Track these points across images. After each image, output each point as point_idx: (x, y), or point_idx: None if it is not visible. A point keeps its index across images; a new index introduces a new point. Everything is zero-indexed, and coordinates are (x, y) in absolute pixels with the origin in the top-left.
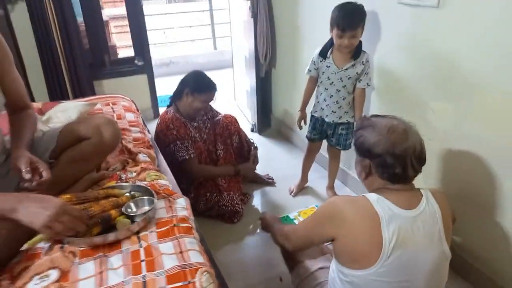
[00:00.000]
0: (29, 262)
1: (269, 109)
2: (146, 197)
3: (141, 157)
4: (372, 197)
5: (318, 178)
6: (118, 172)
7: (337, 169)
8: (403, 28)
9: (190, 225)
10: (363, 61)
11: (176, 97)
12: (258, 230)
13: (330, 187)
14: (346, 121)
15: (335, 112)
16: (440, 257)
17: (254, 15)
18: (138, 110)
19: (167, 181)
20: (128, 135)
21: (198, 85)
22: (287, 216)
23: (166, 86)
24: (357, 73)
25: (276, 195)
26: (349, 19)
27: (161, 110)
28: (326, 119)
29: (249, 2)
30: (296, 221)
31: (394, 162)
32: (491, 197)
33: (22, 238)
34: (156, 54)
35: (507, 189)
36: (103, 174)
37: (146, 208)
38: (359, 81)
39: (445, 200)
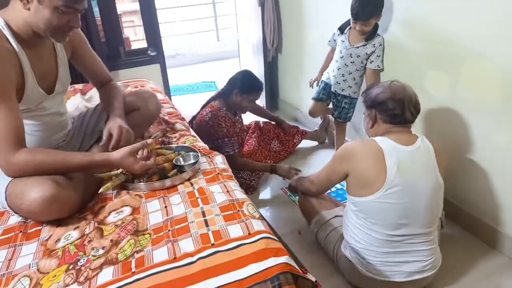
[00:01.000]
0: (104, 203)
1: (277, 92)
2: (191, 153)
3: (178, 126)
4: (377, 138)
5: (326, 149)
6: (160, 139)
7: (343, 140)
8: (403, 9)
9: (230, 174)
10: (374, 44)
11: (224, 94)
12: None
13: None
14: (348, 95)
15: (339, 83)
16: (435, 184)
17: (262, 3)
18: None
19: (203, 143)
20: (162, 110)
21: (247, 86)
22: None
23: (174, 77)
24: (366, 53)
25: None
26: (362, 11)
27: (174, 98)
28: (332, 88)
29: None
30: None
31: (395, 105)
32: (478, 149)
33: (96, 186)
34: (163, 46)
35: (492, 142)
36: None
37: (193, 161)
38: (371, 62)
39: (438, 145)
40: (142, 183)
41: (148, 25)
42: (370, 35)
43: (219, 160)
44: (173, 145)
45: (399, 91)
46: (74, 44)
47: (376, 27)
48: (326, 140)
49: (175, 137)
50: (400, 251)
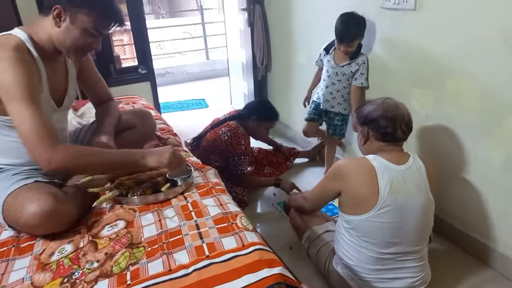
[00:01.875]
0: (98, 217)
1: None
2: (183, 167)
3: (170, 141)
4: (370, 156)
5: (318, 167)
6: None
7: (334, 156)
8: (386, 29)
9: (223, 188)
10: (358, 62)
11: (240, 118)
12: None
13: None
14: (338, 111)
15: (328, 101)
16: (426, 203)
17: (251, 24)
18: None
19: (196, 158)
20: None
21: (265, 114)
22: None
23: (164, 95)
24: (351, 71)
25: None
26: (346, 34)
27: (164, 115)
28: (321, 106)
29: (245, 12)
30: None
31: (386, 123)
32: (464, 164)
33: (90, 200)
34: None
35: (475, 157)
36: None
37: (186, 175)
38: (355, 79)
39: (429, 163)
40: (135, 197)
41: (139, 44)
42: (354, 54)
43: (212, 174)
44: None
45: (391, 109)
46: (82, 63)
47: (359, 46)
48: (317, 158)
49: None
50: (391, 268)
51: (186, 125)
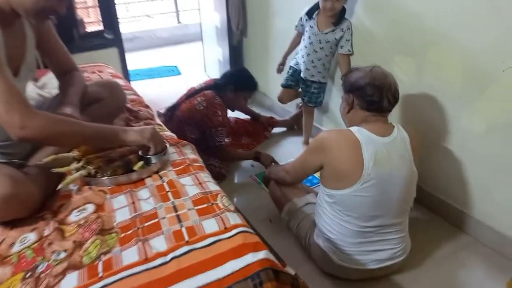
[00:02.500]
0: (64, 200)
1: None
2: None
3: (142, 114)
4: (353, 128)
5: (296, 136)
6: None
7: (312, 124)
8: None
9: (201, 164)
10: (343, 28)
11: (217, 88)
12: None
13: (306, 142)
14: (317, 81)
15: (308, 69)
16: (409, 175)
17: None
18: None
19: (170, 132)
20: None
21: (243, 84)
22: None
23: (133, 61)
24: (335, 38)
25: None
26: None
27: (133, 84)
28: (301, 74)
29: None
30: None
31: (373, 92)
32: (446, 134)
33: (55, 182)
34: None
35: (457, 127)
36: None
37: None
38: (341, 47)
39: (414, 132)
40: (106, 177)
41: (104, 6)
42: (338, 19)
43: (189, 150)
44: None
45: (379, 78)
46: (41, 28)
47: (343, 11)
48: (295, 127)
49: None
50: (373, 241)
51: (158, 94)
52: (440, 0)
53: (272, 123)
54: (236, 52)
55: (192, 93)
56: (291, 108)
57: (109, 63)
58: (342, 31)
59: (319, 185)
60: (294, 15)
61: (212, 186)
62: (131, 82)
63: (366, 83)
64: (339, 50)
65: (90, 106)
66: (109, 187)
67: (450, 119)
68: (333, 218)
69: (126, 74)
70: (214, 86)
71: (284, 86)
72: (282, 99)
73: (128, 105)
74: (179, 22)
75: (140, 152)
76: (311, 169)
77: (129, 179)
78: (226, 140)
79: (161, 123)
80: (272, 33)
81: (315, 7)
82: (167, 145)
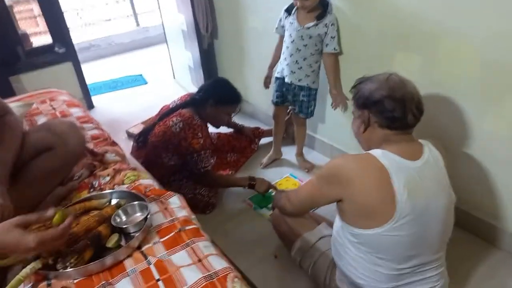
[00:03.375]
0: None
1: None
2: (135, 203)
3: (109, 156)
4: (376, 152)
5: (287, 146)
6: (86, 180)
7: (304, 135)
8: None
9: (196, 226)
10: (326, 23)
11: (195, 104)
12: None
13: (299, 153)
14: (306, 85)
15: (294, 72)
16: (449, 202)
17: None
18: None
19: (150, 179)
20: (84, 134)
21: (224, 97)
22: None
23: (92, 73)
24: (319, 34)
25: (246, 172)
26: None
27: (95, 99)
28: (286, 79)
29: None
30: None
31: (394, 106)
32: (465, 139)
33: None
34: (73, 38)
35: (478, 129)
36: (71, 187)
37: (139, 215)
38: (326, 46)
39: (440, 146)
40: (69, 267)
41: (50, 17)
42: (321, 13)
43: (176, 204)
44: (107, 191)
45: (399, 88)
46: None
47: (326, 3)
48: (284, 135)
49: (108, 175)
50: (410, 282)
51: (125, 108)
52: None
53: (258, 134)
54: (207, 56)
55: (166, 113)
56: None
57: (65, 79)
58: (326, 26)
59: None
60: (269, 11)
61: (217, 262)
62: (92, 97)
63: (384, 96)
64: (324, 49)
65: (36, 159)
66: (76, 281)
67: (468, 122)
68: (360, 261)
69: (85, 91)
70: (191, 102)
71: (276, 104)
72: (278, 117)
73: (90, 145)
74: (138, 25)
75: (112, 220)
76: (323, 202)
77: (102, 265)
78: (211, 160)
79: (136, 166)
80: (245, 33)
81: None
82: (147, 204)
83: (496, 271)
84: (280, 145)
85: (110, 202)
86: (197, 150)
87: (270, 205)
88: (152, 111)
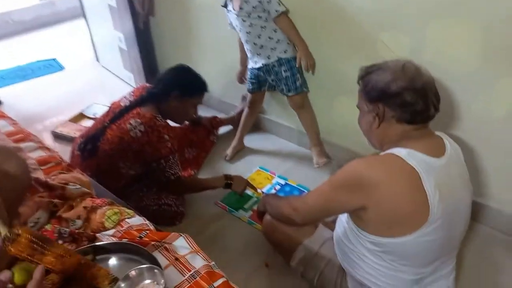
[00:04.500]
0: None
1: (155, 65)
2: (143, 266)
3: (72, 189)
4: (401, 152)
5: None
6: (48, 226)
7: (312, 119)
8: None
9: (224, 277)
10: None
11: (155, 98)
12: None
13: (315, 143)
14: (279, 58)
15: (259, 54)
16: (470, 199)
17: None
18: None
19: (137, 215)
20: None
21: (189, 87)
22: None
23: None
24: (253, 7)
25: (210, 169)
26: None
27: (2, 90)
28: (257, 66)
29: None
30: (254, 195)
31: (416, 98)
32: (455, 120)
33: None
34: None
35: (468, 111)
36: None
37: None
38: (268, 12)
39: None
40: None
41: None
42: None
43: (184, 247)
44: (88, 246)
45: (418, 77)
46: None
47: None
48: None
49: (78, 218)
50: (428, 282)
51: (40, 101)
52: None
53: (216, 123)
54: (143, 36)
55: (119, 113)
56: (235, 100)
57: None
58: None
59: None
60: None
61: None
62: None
63: (403, 87)
64: (270, 17)
65: None
66: None
67: (459, 104)
68: (382, 269)
69: None
70: (149, 97)
71: (252, 91)
72: (255, 103)
73: (40, 176)
74: None
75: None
76: (340, 211)
77: None
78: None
79: (112, 202)
80: (192, 7)
81: None
82: (161, 273)
83: (482, 246)
84: (244, 134)
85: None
86: (164, 156)
87: (246, 206)
88: (77, 103)
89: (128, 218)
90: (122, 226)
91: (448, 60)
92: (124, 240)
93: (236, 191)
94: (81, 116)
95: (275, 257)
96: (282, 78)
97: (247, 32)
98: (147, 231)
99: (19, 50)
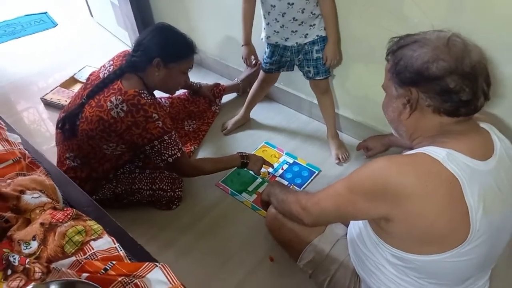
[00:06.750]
0: None
1: (150, 15)
2: None
3: (28, 199)
4: (438, 152)
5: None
6: None
7: (333, 106)
8: None
9: None
10: None
11: (136, 69)
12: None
13: (333, 135)
14: (317, 36)
15: (296, 31)
16: None
17: None
18: None
19: (106, 234)
20: None
21: (174, 51)
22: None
23: None
24: None
25: (209, 142)
26: None
27: None
28: (288, 43)
29: None
30: (265, 179)
31: (461, 84)
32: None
33: None
34: None
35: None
36: None
37: None
38: None
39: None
40: None
41: None
42: None
43: (162, 282)
44: (45, 282)
45: (466, 56)
46: None
47: None
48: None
49: (33, 239)
50: None
51: (31, 63)
52: None
53: (219, 91)
54: None
55: (96, 87)
56: (239, 64)
57: None
58: None
59: None
60: None
61: None
62: None
63: (446, 70)
64: None
65: None
66: None
67: (504, 78)
68: (404, 284)
69: None
70: (129, 67)
71: (268, 71)
72: (268, 83)
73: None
74: None
75: None
76: (358, 218)
77: None
78: (181, 147)
79: (78, 213)
80: None
81: None
82: None
83: None
84: (251, 109)
85: None
86: (157, 137)
87: (250, 188)
88: (72, 66)
89: (94, 239)
90: (84, 253)
91: (492, 26)
92: (83, 277)
93: (252, 169)
94: (73, 81)
95: (280, 250)
96: (312, 59)
97: (288, 3)
98: (114, 262)
99: (8, 3)
